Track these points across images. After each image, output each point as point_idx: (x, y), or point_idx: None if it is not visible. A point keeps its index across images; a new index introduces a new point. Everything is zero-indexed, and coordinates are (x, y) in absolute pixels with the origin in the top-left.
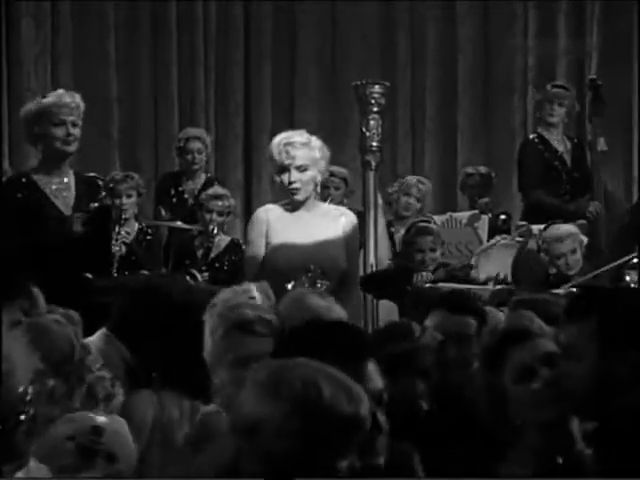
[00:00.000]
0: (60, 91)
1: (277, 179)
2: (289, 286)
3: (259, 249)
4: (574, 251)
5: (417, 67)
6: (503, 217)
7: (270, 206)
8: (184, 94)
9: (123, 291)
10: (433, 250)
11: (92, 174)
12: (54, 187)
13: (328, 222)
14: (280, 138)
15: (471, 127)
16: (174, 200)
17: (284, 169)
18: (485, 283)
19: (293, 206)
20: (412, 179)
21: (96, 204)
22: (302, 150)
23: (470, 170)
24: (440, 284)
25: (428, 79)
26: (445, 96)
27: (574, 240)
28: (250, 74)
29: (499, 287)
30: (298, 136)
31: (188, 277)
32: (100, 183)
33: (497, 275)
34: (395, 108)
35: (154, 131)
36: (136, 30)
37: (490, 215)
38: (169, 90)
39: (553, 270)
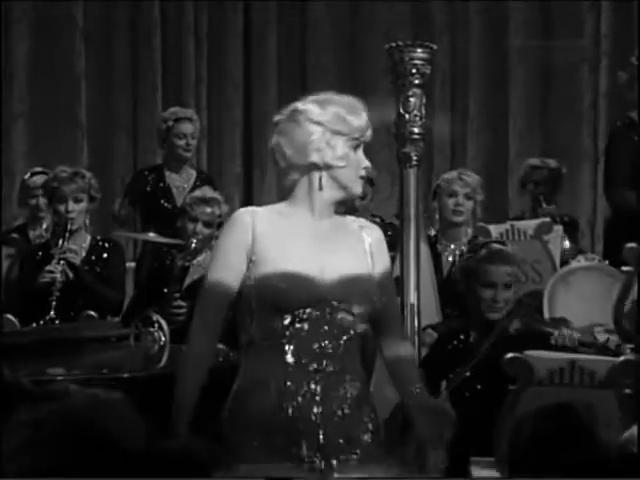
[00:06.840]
0: None
1: (342, 152)
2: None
3: (232, 270)
4: None
5: (458, 35)
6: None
7: (256, 208)
8: (169, 69)
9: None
10: (508, 287)
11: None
12: None
13: (348, 236)
14: (343, 98)
15: (526, 110)
16: (156, 202)
17: (361, 144)
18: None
19: (320, 206)
20: (451, 174)
21: None
22: None
23: (537, 162)
24: (529, 353)
25: (471, 50)
26: (492, 72)
27: None
28: (251, 44)
29: (624, 358)
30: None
31: (154, 322)
32: None
33: (607, 340)
34: (430, 87)
35: (132, 115)
36: None
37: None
38: (150, 65)
39: None
